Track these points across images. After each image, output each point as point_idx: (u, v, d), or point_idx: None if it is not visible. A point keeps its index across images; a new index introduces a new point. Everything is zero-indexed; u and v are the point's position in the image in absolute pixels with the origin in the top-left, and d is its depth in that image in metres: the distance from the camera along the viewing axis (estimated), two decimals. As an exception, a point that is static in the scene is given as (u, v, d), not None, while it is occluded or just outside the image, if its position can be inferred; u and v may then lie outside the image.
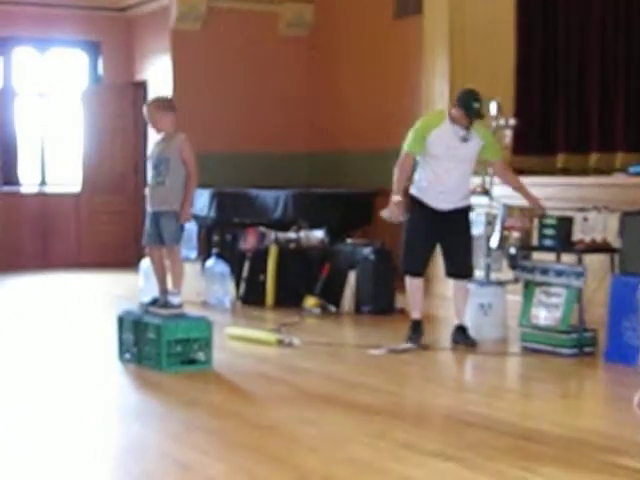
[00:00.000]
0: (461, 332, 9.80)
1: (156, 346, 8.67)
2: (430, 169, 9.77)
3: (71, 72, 18.01)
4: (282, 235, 12.74)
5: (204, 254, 13.36)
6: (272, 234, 12.75)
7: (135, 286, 11.70)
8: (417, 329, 9.79)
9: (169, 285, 9.35)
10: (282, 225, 13.18)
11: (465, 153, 9.77)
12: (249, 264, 12.59)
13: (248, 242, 12.80)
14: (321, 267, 12.06)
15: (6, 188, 17.00)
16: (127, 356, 9.06)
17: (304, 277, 12.12)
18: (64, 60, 17.92)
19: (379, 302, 11.67)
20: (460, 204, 9.78)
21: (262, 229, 12.93)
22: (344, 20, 16.47)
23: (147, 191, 9.63)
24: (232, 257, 12.76)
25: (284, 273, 12.34)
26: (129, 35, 17.98)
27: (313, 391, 7.90)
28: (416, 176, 9.86)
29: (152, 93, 16.12)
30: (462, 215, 9.84)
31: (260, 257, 12.52)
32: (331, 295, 11.88)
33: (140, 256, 12.41)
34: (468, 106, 9.64)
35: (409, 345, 9.50)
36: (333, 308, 11.79)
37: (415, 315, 9.87)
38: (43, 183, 17.68)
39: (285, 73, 17.05)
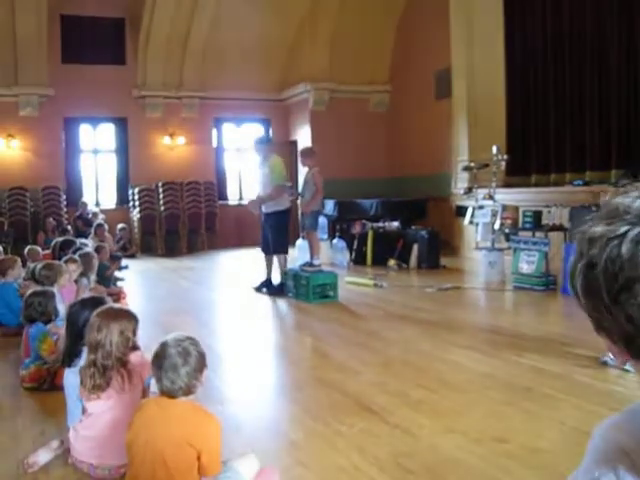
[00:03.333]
0: (268, 284, 9.64)
1: (306, 288, 8.79)
2: None
3: (253, 135, 18.21)
4: (375, 224, 12.77)
5: (331, 236, 13.41)
6: (369, 224, 12.80)
7: (293, 255, 11.80)
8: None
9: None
10: (375, 219, 13.20)
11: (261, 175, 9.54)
12: (357, 241, 12.64)
13: (356, 229, 12.84)
14: (397, 242, 12.06)
15: (221, 201, 17.28)
16: (290, 294, 9.19)
17: (388, 248, 12.10)
18: (250, 129, 18.12)
19: (431, 261, 11.63)
20: (268, 210, 9.49)
21: (364, 221, 12.97)
22: (407, 101, 16.40)
23: (298, 201, 9.75)
24: (347, 237, 12.81)
25: (376, 246, 12.36)
26: (286, 114, 18.13)
27: (395, 312, 7.93)
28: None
29: (300, 146, 16.24)
30: (270, 217, 9.50)
31: (363, 237, 12.57)
32: (404, 258, 11.87)
33: (295, 239, 12.53)
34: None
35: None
36: (405, 266, 11.78)
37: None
38: (240, 198, 17.93)
39: (373, 133, 17.02)
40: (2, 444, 3.95)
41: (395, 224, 12.66)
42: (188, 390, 2.88)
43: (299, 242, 12.08)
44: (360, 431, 4.00)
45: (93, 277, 8.13)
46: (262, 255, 9.76)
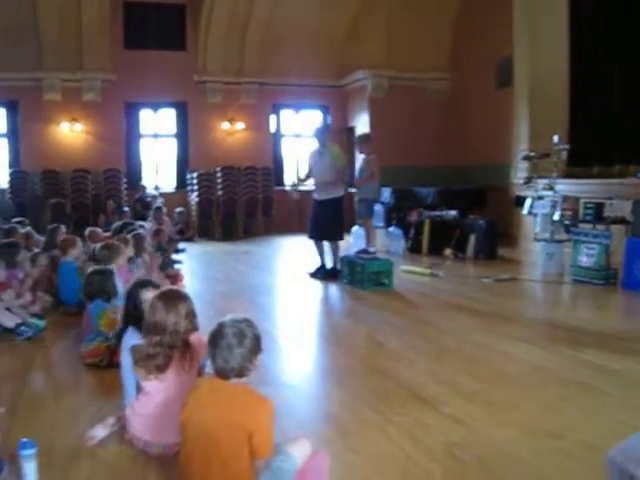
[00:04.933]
0: (323, 270, 9.70)
1: (361, 275, 8.78)
2: None
3: (312, 122, 18.14)
4: (432, 213, 12.67)
5: (388, 224, 13.36)
6: (426, 212, 12.70)
7: (348, 242, 11.80)
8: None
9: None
10: (432, 207, 13.11)
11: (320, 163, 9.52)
12: (413, 230, 12.56)
13: (413, 217, 12.76)
14: (454, 231, 11.94)
15: (277, 187, 17.31)
16: (345, 281, 9.19)
17: (445, 237, 12.00)
18: (309, 115, 18.13)
19: (488, 252, 11.48)
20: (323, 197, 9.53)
21: (421, 210, 12.88)
22: (467, 90, 16.23)
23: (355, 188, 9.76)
24: (404, 225, 12.75)
25: (433, 235, 12.27)
26: (344, 100, 18.05)
27: (450, 302, 7.87)
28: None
29: (358, 133, 16.17)
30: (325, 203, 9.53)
31: (419, 226, 12.48)
32: (460, 247, 11.76)
33: (351, 226, 12.51)
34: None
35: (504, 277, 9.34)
36: (461, 255, 11.67)
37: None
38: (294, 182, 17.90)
39: (432, 121, 16.84)
40: (62, 420, 4.06)
41: (452, 213, 12.53)
42: (241, 372, 2.91)
43: (355, 229, 12.09)
44: (412, 420, 3.99)
45: (146, 258, 8.28)
46: (312, 242, 9.80)
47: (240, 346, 2.88)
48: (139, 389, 3.68)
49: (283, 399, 4.35)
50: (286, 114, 18.12)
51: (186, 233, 15.33)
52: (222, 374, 2.92)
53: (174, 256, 11.35)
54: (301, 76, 17.15)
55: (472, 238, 11.71)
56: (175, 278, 8.72)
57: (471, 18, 15.92)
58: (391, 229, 12.76)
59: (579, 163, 11.95)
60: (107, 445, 3.66)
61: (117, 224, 9.84)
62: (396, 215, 13.41)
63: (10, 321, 6.12)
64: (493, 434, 3.76)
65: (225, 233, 16.32)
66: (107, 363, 5.05)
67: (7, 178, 15.48)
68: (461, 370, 5.01)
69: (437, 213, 12.66)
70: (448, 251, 11.76)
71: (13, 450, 3.24)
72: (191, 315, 3.59)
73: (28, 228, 9.76)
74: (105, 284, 5.71)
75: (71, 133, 15.96)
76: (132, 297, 4.20)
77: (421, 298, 8.21)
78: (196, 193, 16.41)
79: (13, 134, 15.92)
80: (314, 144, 9.83)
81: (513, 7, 13.13)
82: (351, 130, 17.35)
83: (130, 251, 7.51)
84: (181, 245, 13.14)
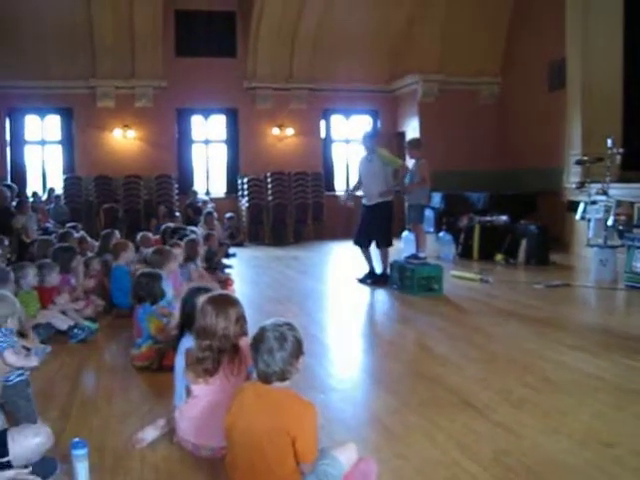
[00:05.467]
0: (372, 275, 9.68)
1: (411, 280, 8.75)
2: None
3: (362, 127, 18.09)
4: (482, 218, 12.54)
5: (438, 229, 13.27)
6: (477, 218, 12.58)
7: (398, 247, 11.74)
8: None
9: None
10: (483, 212, 12.98)
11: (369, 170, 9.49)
12: (463, 235, 12.46)
13: (463, 222, 12.66)
14: (505, 236, 11.81)
15: (328, 192, 17.34)
16: (394, 286, 9.16)
17: (495, 242, 11.88)
18: (358, 121, 18.12)
19: (540, 257, 11.31)
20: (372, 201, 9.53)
21: (471, 215, 12.77)
22: (518, 93, 16.04)
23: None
24: (454, 230, 12.66)
25: (484, 240, 12.15)
26: (394, 105, 18.00)
27: (500, 308, 7.79)
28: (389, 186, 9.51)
29: (407, 138, 16.09)
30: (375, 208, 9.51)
31: (470, 231, 12.38)
32: (511, 253, 11.62)
33: (401, 231, 12.46)
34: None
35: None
36: (512, 261, 11.52)
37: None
38: (347, 190, 17.91)
39: (483, 125, 16.69)
40: (113, 421, 4.13)
41: (503, 218, 12.39)
42: (282, 375, 2.93)
43: (405, 234, 12.05)
44: (461, 427, 3.96)
45: (199, 263, 8.38)
46: (358, 248, 9.82)
47: (281, 350, 2.91)
48: (188, 392, 3.73)
49: (331, 404, 4.36)
50: (336, 119, 18.15)
51: (236, 238, 15.47)
52: (264, 378, 2.95)
53: (224, 260, 11.47)
54: (351, 81, 17.18)
55: (523, 243, 11.57)
56: (225, 282, 8.80)
57: (523, 21, 15.73)
58: (441, 234, 12.69)
59: (634, 167, 11.71)
60: (156, 447, 3.71)
61: (167, 226, 9.97)
62: (446, 220, 13.32)
63: (63, 324, 6.26)
64: (543, 442, 3.72)
65: (275, 238, 16.42)
66: (157, 366, 5.13)
67: (62, 184, 15.87)
68: (511, 377, 4.95)
69: (488, 218, 12.53)
70: (499, 257, 11.64)
71: (66, 450, 3.32)
72: (241, 320, 3.63)
73: (82, 233, 9.97)
74: (152, 287, 5.80)
75: (124, 139, 16.25)
76: (188, 303, 4.26)
77: (471, 304, 8.13)
78: (246, 198, 16.55)
79: (67, 141, 16.31)
80: (362, 151, 9.84)
81: (566, 8, 12.94)
82: (401, 135, 17.28)
83: (181, 256, 7.60)
84: (231, 250, 13.27)
